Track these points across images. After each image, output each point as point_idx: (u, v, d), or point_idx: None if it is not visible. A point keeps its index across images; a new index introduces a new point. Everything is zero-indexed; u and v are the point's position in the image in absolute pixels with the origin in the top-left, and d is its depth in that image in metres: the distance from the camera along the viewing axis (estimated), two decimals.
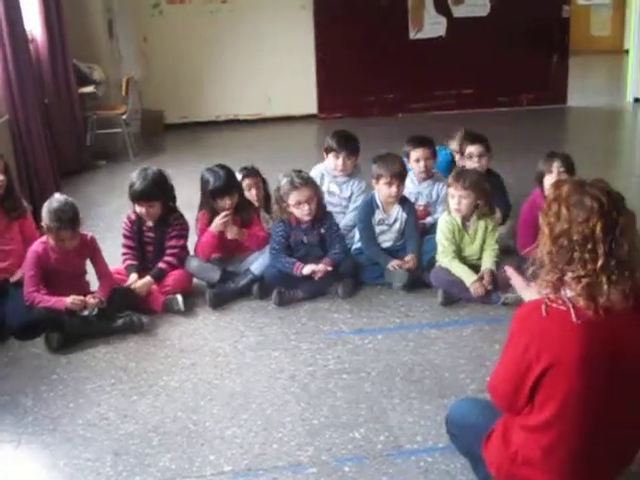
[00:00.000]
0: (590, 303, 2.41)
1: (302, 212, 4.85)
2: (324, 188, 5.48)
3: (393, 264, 4.94)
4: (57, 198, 4.55)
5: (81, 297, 4.46)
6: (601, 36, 17.86)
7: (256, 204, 5.28)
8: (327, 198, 5.43)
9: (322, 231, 4.96)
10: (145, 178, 4.83)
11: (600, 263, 2.39)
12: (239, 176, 5.25)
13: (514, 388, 2.55)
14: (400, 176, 5.00)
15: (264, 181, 5.44)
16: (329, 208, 5.26)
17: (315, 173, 5.57)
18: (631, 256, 2.43)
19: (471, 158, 5.50)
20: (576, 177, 2.64)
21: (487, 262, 4.82)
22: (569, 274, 2.44)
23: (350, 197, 5.58)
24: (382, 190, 5.03)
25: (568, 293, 2.46)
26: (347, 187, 5.59)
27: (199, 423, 3.61)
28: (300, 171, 4.99)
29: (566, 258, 2.44)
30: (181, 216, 5.04)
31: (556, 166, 4.90)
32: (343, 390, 3.84)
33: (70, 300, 4.41)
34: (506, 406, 2.67)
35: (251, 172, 5.35)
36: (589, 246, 2.40)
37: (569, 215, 2.44)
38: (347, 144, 5.55)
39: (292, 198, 4.82)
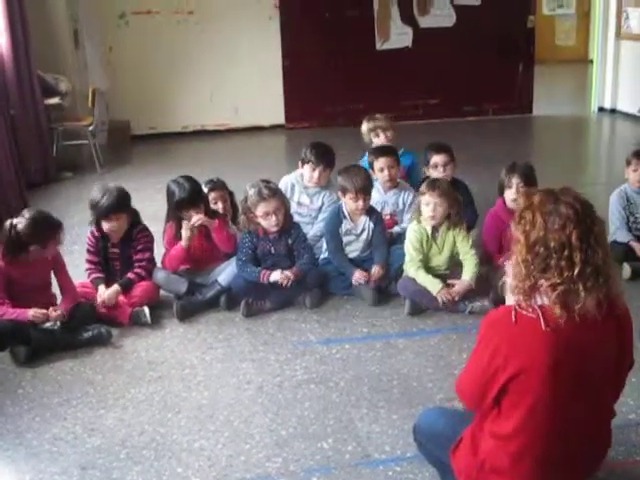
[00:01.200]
0: (564, 311, 2.42)
1: (270, 223, 4.84)
2: (294, 199, 5.52)
3: (357, 278, 4.95)
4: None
5: (43, 310, 4.42)
6: (566, 46, 18.09)
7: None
8: (296, 209, 5.47)
9: (289, 242, 4.96)
10: (110, 193, 4.80)
11: (577, 270, 2.42)
12: (205, 189, 5.23)
13: (480, 392, 2.59)
14: (365, 190, 5.01)
15: (231, 194, 5.42)
16: (297, 219, 5.28)
17: (284, 183, 5.61)
18: (605, 263, 2.46)
19: (436, 167, 5.54)
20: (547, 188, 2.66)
21: (467, 274, 4.81)
22: (543, 282, 2.46)
23: (320, 208, 5.60)
24: (349, 204, 5.05)
25: (539, 300, 2.48)
26: (318, 198, 5.62)
27: (166, 436, 3.59)
28: (268, 182, 4.97)
29: (542, 266, 2.46)
30: (145, 228, 5.02)
31: (514, 182, 4.97)
32: (311, 400, 3.84)
33: (32, 312, 4.38)
34: (472, 407, 2.71)
35: (217, 185, 5.33)
36: (565, 253, 2.42)
37: (545, 223, 2.46)
38: (325, 157, 5.58)
39: (260, 209, 4.82)
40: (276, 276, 4.81)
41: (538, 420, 2.50)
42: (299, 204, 5.57)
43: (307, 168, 5.58)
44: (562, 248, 2.43)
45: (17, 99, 7.89)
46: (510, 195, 4.95)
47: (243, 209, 4.90)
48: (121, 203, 4.84)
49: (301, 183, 5.64)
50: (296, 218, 5.26)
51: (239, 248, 4.95)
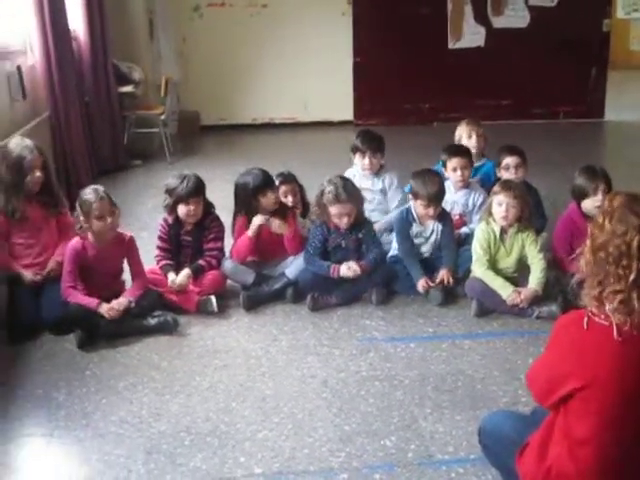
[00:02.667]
0: (626, 318, 2.39)
1: (341, 223, 4.88)
2: (357, 184, 5.55)
3: (422, 285, 4.93)
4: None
5: (111, 305, 4.47)
6: None
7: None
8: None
9: (360, 236, 4.96)
10: (189, 178, 4.88)
11: (632, 278, 2.38)
12: (276, 182, 5.26)
13: (548, 389, 2.58)
14: (437, 198, 4.98)
15: (301, 187, 5.45)
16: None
17: (348, 175, 5.65)
18: None
19: (508, 169, 5.49)
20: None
21: (533, 281, 4.75)
22: (607, 288, 2.43)
23: (382, 190, 5.73)
24: (419, 209, 5.03)
25: (611, 308, 2.44)
26: (378, 181, 5.75)
27: (230, 424, 3.62)
28: (346, 181, 4.97)
29: (603, 271, 2.44)
30: (217, 218, 5.07)
31: (601, 189, 4.80)
32: (375, 397, 3.84)
33: (102, 309, 4.44)
34: (539, 400, 2.70)
35: (288, 178, 5.36)
36: (624, 261, 2.39)
37: (611, 228, 2.44)
38: (371, 142, 5.72)
39: (334, 209, 4.83)
40: (346, 271, 4.82)
41: (607, 429, 2.47)
42: (361, 189, 5.54)
43: (358, 157, 5.72)
44: (620, 255, 2.40)
45: (92, 86, 8.03)
46: (596, 202, 4.72)
47: (318, 202, 4.91)
48: (200, 188, 4.92)
49: (360, 173, 5.76)
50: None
51: (309, 240, 4.97)
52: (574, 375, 2.45)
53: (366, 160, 5.68)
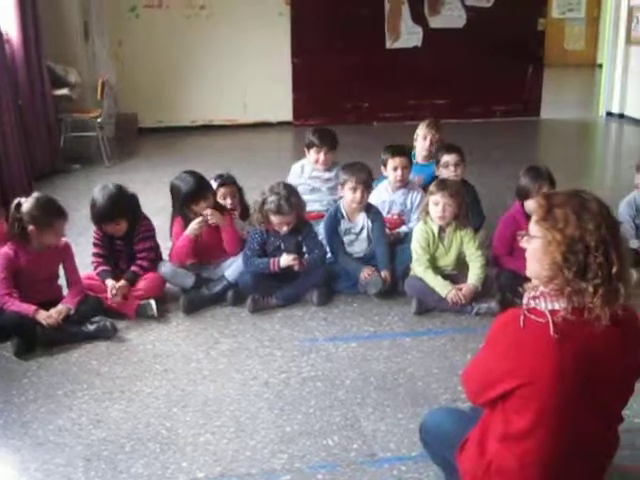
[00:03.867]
0: (610, 312, 2.39)
1: (280, 229, 4.89)
2: (306, 175, 5.84)
3: (365, 275, 4.96)
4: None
5: (49, 313, 4.40)
6: (575, 50, 18.08)
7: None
8: (308, 182, 5.81)
9: (299, 238, 4.97)
10: (106, 200, 4.77)
11: (615, 269, 2.40)
12: (214, 184, 5.24)
13: (483, 388, 2.60)
14: (365, 183, 5.03)
15: (240, 190, 5.43)
16: (310, 201, 5.51)
17: (296, 168, 5.94)
18: (626, 266, 2.46)
19: (447, 167, 5.54)
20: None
21: (472, 277, 4.80)
22: (589, 283, 2.41)
23: (330, 180, 5.88)
24: (347, 196, 5.06)
25: (549, 305, 2.45)
26: (329, 174, 5.92)
27: (172, 429, 3.59)
28: (289, 191, 4.90)
29: (581, 265, 2.41)
30: (145, 218, 5.02)
31: (545, 189, 4.82)
32: (317, 398, 3.84)
33: (40, 316, 4.37)
34: (472, 399, 2.72)
35: (227, 180, 5.34)
36: (602, 251, 2.39)
37: (579, 221, 2.42)
38: (327, 139, 5.91)
39: (275, 219, 4.83)
40: (286, 260, 4.82)
41: (546, 424, 2.49)
42: (311, 177, 5.89)
43: (312, 152, 5.88)
44: (599, 246, 2.39)
45: (26, 89, 7.90)
46: None
47: (259, 209, 4.88)
48: (117, 211, 4.81)
49: (310, 165, 5.94)
50: (312, 191, 5.65)
51: (247, 243, 4.96)
52: (513, 373, 2.47)
53: (321, 156, 5.86)
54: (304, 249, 4.99)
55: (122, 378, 4.05)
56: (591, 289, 2.41)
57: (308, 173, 5.89)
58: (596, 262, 2.40)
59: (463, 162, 5.60)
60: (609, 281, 2.40)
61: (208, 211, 4.95)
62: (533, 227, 2.55)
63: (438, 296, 4.73)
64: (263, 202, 4.85)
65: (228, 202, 5.26)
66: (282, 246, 4.94)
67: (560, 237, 2.44)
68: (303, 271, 4.87)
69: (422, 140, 6.08)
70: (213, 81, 10.60)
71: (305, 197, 5.26)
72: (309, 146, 5.92)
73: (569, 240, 2.43)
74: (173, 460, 3.36)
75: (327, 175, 5.93)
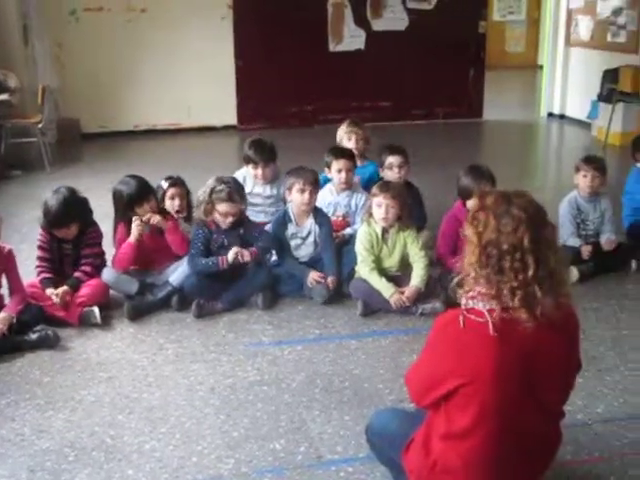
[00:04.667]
0: (530, 315, 2.43)
1: (224, 222, 4.87)
2: (247, 190, 5.60)
3: (312, 280, 4.97)
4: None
5: None
6: (516, 52, 18.32)
7: (176, 215, 5.24)
8: (250, 199, 5.55)
9: (241, 232, 4.96)
10: (60, 204, 4.73)
11: (531, 273, 2.42)
12: (164, 185, 5.22)
13: (425, 390, 2.62)
14: (312, 184, 5.04)
15: (188, 192, 5.41)
16: (254, 212, 5.53)
17: (238, 176, 5.68)
18: (557, 264, 2.48)
19: (391, 169, 5.57)
20: (500, 189, 2.67)
21: (415, 278, 4.83)
22: (504, 285, 2.45)
23: (273, 197, 5.80)
24: (295, 199, 5.06)
25: (487, 305, 2.48)
26: (272, 189, 5.81)
27: (117, 438, 3.55)
28: (236, 182, 5.01)
29: (495, 268, 2.46)
30: (94, 224, 4.98)
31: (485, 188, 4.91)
32: (263, 402, 3.83)
33: None
34: (416, 401, 2.74)
35: (177, 182, 5.32)
36: (517, 256, 2.42)
37: (497, 224, 2.46)
38: (263, 154, 5.74)
39: (223, 207, 4.82)
40: (233, 252, 4.80)
41: (488, 421, 2.52)
42: (252, 194, 5.69)
43: (251, 168, 5.74)
44: (514, 250, 2.43)
45: None
46: None
47: (203, 198, 4.86)
48: (70, 215, 4.78)
49: (252, 177, 5.80)
50: (251, 208, 5.50)
51: (192, 243, 4.93)
52: (455, 373, 2.49)
53: (259, 171, 5.71)
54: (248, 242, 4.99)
55: (65, 387, 4.00)
56: (506, 292, 2.45)
57: (250, 187, 5.70)
58: (512, 266, 2.44)
59: (407, 163, 5.63)
60: (525, 284, 2.44)
61: (149, 215, 4.92)
62: (465, 227, 2.60)
63: (383, 298, 4.75)
64: (211, 191, 4.83)
65: (177, 203, 5.22)
66: (226, 242, 4.91)
67: (477, 240, 2.50)
68: (254, 259, 4.87)
69: (348, 141, 6.05)
70: (156, 85, 10.50)
71: (248, 212, 5.33)
72: (246, 161, 5.79)
73: (484, 243, 2.48)
74: (118, 468, 3.33)
75: (268, 192, 5.80)
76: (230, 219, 4.85)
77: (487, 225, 2.48)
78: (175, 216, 5.16)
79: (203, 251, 4.89)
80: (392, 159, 5.60)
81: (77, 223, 4.82)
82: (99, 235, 4.99)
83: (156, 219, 4.95)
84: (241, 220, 4.98)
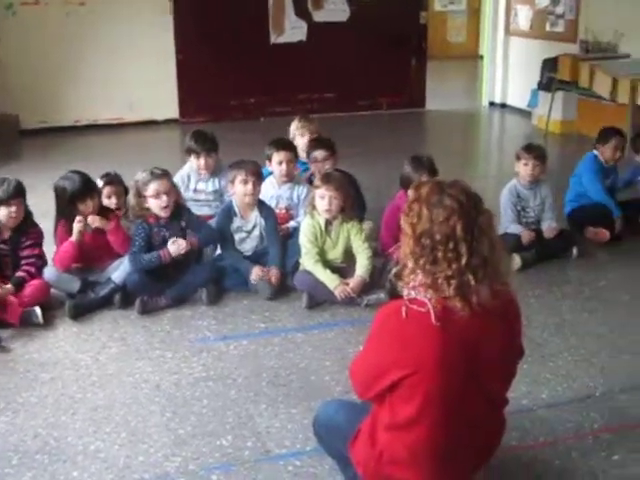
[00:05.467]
0: (465, 305, 2.45)
1: (160, 204, 4.79)
2: (191, 187, 5.69)
3: (255, 276, 4.94)
4: None
5: None
6: (457, 42, 18.45)
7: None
8: (192, 196, 5.65)
9: (183, 224, 4.92)
10: (8, 182, 4.74)
11: (464, 261, 2.44)
12: (100, 183, 5.16)
13: (370, 382, 2.62)
14: (256, 175, 5.03)
15: (126, 190, 5.34)
16: (197, 206, 5.50)
17: (180, 178, 5.71)
18: (492, 252, 2.49)
19: (316, 162, 5.57)
20: (435, 179, 2.70)
21: (360, 269, 4.84)
22: (439, 275, 2.46)
23: (217, 191, 5.77)
24: (238, 191, 5.03)
25: (428, 294, 2.49)
26: (213, 182, 5.77)
27: (61, 439, 3.50)
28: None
29: (430, 258, 2.47)
30: (35, 224, 4.92)
31: (424, 179, 4.94)
32: (209, 398, 3.81)
33: None
34: (360, 394, 2.74)
35: (113, 179, 5.26)
36: (450, 245, 2.44)
37: (430, 215, 2.47)
38: (205, 143, 5.73)
39: (151, 188, 4.76)
40: (175, 245, 4.78)
41: (432, 411, 2.53)
42: (196, 191, 5.71)
43: (193, 158, 5.73)
44: (447, 240, 2.45)
45: None
46: None
47: (134, 192, 4.83)
48: (21, 190, 4.78)
49: (195, 172, 5.77)
50: (196, 205, 5.54)
51: (132, 241, 4.87)
52: (399, 364, 2.50)
53: (202, 161, 5.69)
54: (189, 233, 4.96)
55: (7, 389, 3.93)
56: (441, 280, 2.47)
57: (193, 184, 5.72)
58: (445, 255, 2.46)
59: (332, 156, 5.63)
60: (459, 273, 2.45)
61: (90, 218, 4.86)
62: (401, 220, 2.62)
63: (328, 289, 4.75)
64: (136, 182, 4.82)
65: (113, 201, 5.17)
66: (167, 235, 4.87)
67: (411, 231, 2.53)
68: (198, 248, 4.87)
69: (300, 137, 6.08)
70: (97, 79, 10.34)
71: (190, 205, 5.36)
72: (188, 152, 5.78)
73: (419, 234, 2.50)
74: (63, 470, 3.29)
75: (211, 187, 5.77)
76: (165, 199, 4.77)
77: (421, 216, 2.50)
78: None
79: (144, 247, 4.83)
80: (316, 153, 5.62)
81: (23, 207, 4.80)
82: (40, 236, 4.91)
83: (97, 221, 4.88)
84: (180, 211, 4.94)
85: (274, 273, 4.95)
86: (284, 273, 5.02)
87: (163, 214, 4.83)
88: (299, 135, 6.08)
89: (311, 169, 5.70)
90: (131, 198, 4.88)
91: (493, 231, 2.57)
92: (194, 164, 5.73)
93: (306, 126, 6.11)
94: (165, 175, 4.84)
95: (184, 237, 4.89)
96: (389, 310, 2.58)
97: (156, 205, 4.80)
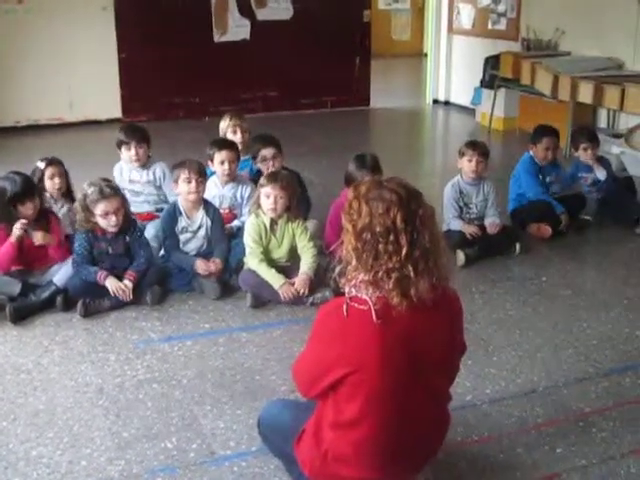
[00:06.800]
0: (403, 298, 2.45)
1: (109, 223, 4.72)
2: (125, 177, 5.71)
3: (199, 266, 4.91)
4: None
5: None
6: (401, 40, 18.57)
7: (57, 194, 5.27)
8: (128, 186, 5.67)
9: (127, 239, 4.85)
10: None
11: (404, 252, 2.44)
12: (41, 165, 5.21)
13: (312, 380, 2.63)
14: (199, 173, 5.00)
15: (66, 172, 5.36)
16: (137, 202, 5.53)
17: (116, 170, 5.83)
18: (433, 245, 2.50)
19: (265, 161, 5.55)
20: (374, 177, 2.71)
21: (304, 266, 4.84)
22: (381, 268, 2.46)
23: (152, 182, 5.81)
24: (182, 190, 5.00)
25: (370, 292, 2.49)
26: (148, 173, 5.81)
27: (2, 445, 3.43)
28: (109, 181, 4.91)
29: (372, 253, 2.47)
30: None
31: (366, 179, 4.94)
32: (153, 400, 3.77)
33: None
34: (304, 393, 2.75)
35: (53, 161, 5.30)
36: (391, 237, 2.44)
37: (369, 209, 2.48)
38: (135, 133, 5.80)
39: (100, 208, 4.68)
40: (111, 284, 4.70)
41: (376, 409, 2.54)
42: (131, 181, 5.73)
43: (124, 150, 5.75)
44: (387, 232, 2.45)
45: None
46: None
47: (81, 207, 4.74)
48: None
49: (128, 165, 5.81)
50: (131, 195, 5.53)
51: (75, 248, 4.79)
52: (340, 362, 2.50)
53: (132, 151, 5.71)
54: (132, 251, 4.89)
55: None
56: (381, 274, 2.46)
57: (127, 176, 5.74)
58: (386, 248, 2.45)
59: (280, 154, 5.62)
60: (400, 266, 2.45)
61: (34, 238, 4.79)
62: (342, 218, 2.61)
63: (273, 289, 4.73)
64: (84, 197, 4.72)
65: (57, 181, 5.24)
66: (110, 249, 4.81)
67: (352, 228, 2.52)
68: (135, 280, 4.78)
69: (232, 134, 6.04)
70: (36, 79, 10.18)
71: (131, 200, 5.28)
72: (119, 145, 5.78)
73: (359, 230, 2.49)
74: (4, 477, 3.22)
75: (145, 177, 5.79)
76: (113, 219, 4.70)
77: (360, 212, 2.50)
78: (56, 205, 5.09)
79: (87, 257, 4.77)
80: (265, 152, 5.60)
81: None
82: None
83: (40, 239, 4.81)
84: (128, 226, 4.86)
85: (216, 262, 4.93)
86: (228, 269, 5.01)
87: (111, 230, 4.77)
88: (231, 132, 6.04)
89: (256, 167, 5.68)
90: (78, 210, 4.79)
91: (434, 224, 2.57)
92: (125, 156, 5.77)
93: (238, 124, 6.08)
94: (115, 194, 4.74)
95: (127, 254, 4.85)
96: (330, 308, 2.58)
97: (104, 224, 4.73)
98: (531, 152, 6.11)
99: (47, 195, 5.27)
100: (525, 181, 6.01)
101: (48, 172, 5.20)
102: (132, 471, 3.24)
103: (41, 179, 5.20)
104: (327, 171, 7.18)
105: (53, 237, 4.88)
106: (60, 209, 5.25)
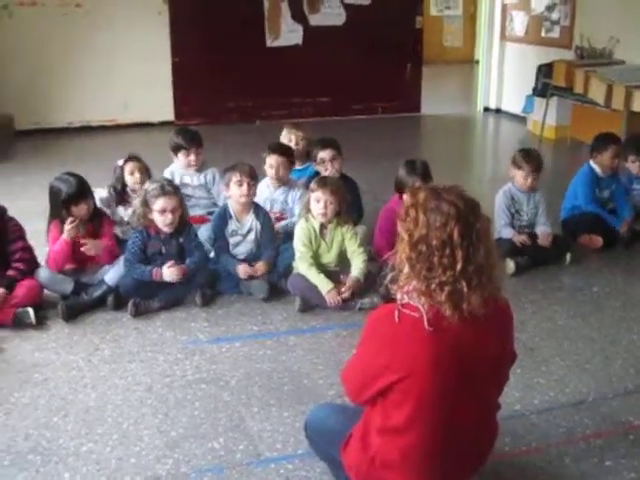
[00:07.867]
0: (455, 311, 2.44)
1: (164, 221, 4.77)
2: (176, 181, 5.63)
3: (241, 270, 4.94)
4: None
5: None
6: (453, 47, 18.49)
7: (136, 187, 5.37)
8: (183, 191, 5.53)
9: (180, 240, 4.90)
10: None
11: (459, 268, 2.43)
12: (120, 161, 5.37)
13: (361, 386, 2.62)
14: (250, 176, 5.02)
15: (147, 168, 5.49)
16: (188, 205, 5.41)
17: (167, 174, 5.80)
18: (487, 260, 2.49)
19: (324, 163, 5.57)
20: (431, 184, 2.69)
21: (355, 270, 4.84)
22: (434, 280, 2.46)
23: (203, 186, 5.83)
24: (233, 193, 5.03)
25: (422, 300, 2.48)
26: (200, 177, 5.86)
27: (53, 440, 3.49)
28: (171, 181, 5.03)
29: (426, 264, 2.46)
30: (12, 219, 4.89)
31: (417, 184, 4.93)
32: (201, 400, 3.80)
33: None
34: (353, 398, 2.74)
35: (132, 157, 5.48)
36: (447, 251, 2.43)
37: (427, 221, 2.46)
38: (193, 139, 5.83)
39: (158, 204, 4.74)
40: (170, 274, 4.75)
41: (425, 416, 2.53)
42: (182, 184, 5.69)
43: (181, 156, 5.79)
44: (444, 246, 2.43)
45: None
46: None
47: (140, 202, 4.81)
48: None
49: (180, 171, 5.86)
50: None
51: (128, 247, 4.85)
52: (390, 369, 2.49)
53: (192, 157, 5.76)
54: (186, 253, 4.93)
55: None
56: (434, 286, 2.45)
57: (179, 180, 5.73)
58: (441, 262, 2.45)
59: (339, 156, 5.63)
60: (453, 281, 2.45)
61: (84, 248, 4.86)
62: (398, 225, 2.61)
63: (321, 295, 4.74)
64: (145, 192, 4.80)
65: (137, 177, 5.37)
66: (163, 250, 4.86)
67: (408, 237, 2.51)
68: (185, 278, 4.82)
69: (288, 142, 6.04)
70: (91, 81, 10.34)
71: None
72: (176, 149, 5.82)
73: (415, 240, 2.48)
74: (55, 472, 3.28)
75: (197, 181, 5.83)
76: (170, 217, 4.76)
77: (417, 221, 2.49)
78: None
79: (140, 255, 4.82)
80: (323, 154, 5.61)
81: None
82: (20, 228, 4.89)
83: (91, 250, 4.89)
84: (183, 228, 4.91)
85: (260, 267, 4.97)
86: (276, 272, 5.03)
87: (166, 230, 4.83)
88: (287, 142, 6.04)
89: (315, 169, 5.70)
90: (137, 205, 4.86)
91: (489, 238, 2.56)
92: (182, 161, 5.80)
93: (292, 132, 6.12)
94: (174, 193, 4.82)
95: (180, 254, 4.89)
96: (381, 314, 2.58)
97: (160, 221, 4.79)
98: (592, 162, 6.02)
99: (129, 191, 5.43)
100: (582, 193, 5.95)
101: (128, 168, 5.36)
102: (180, 470, 3.28)
103: (122, 175, 5.36)
104: (377, 177, 7.17)
105: (103, 241, 4.95)
106: None
